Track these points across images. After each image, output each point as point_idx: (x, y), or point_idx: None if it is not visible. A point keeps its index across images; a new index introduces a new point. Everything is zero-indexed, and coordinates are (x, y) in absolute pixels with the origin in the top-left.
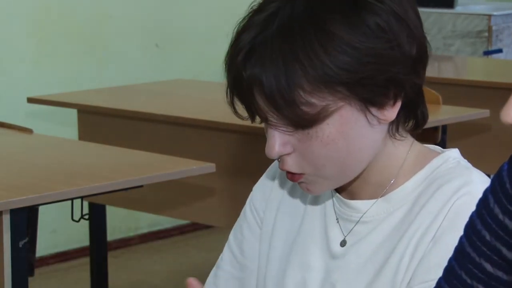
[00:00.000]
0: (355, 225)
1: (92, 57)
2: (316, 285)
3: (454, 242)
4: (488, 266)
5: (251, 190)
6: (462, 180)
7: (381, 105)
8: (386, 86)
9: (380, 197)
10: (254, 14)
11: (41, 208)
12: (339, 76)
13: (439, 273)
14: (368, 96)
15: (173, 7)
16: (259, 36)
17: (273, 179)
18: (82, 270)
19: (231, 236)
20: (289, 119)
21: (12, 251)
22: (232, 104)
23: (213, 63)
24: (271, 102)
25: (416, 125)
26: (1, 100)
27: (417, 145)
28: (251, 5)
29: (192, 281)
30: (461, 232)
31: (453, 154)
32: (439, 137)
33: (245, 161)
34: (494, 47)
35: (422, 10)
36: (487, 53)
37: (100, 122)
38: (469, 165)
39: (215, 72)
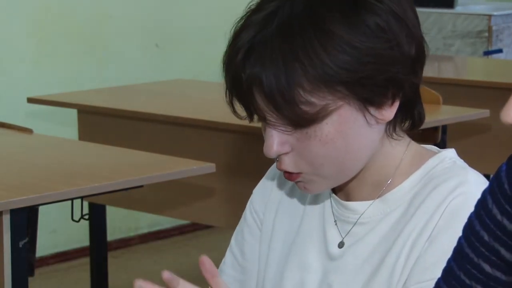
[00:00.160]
0: (352, 227)
1: (92, 57)
2: (313, 286)
3: (450, 242)
4: (486, 267)
5: (251, 190)
6: (458, 180)
7: (379, 105)
8: (385, 86)
9: (377, 198)
10: (252, 14)
11: (41, 208)
12: (339, 75)
13: (435, 273)
14: (367, 95)
15: (173, 7)
16: (259, 35)
17: (272, 180)
18: (82, 270)
19: (232, 240)
20: (288, 118)
21: (12, 251)
22: (231, 104)
23: (213, 63)
24: (270, 101)
25: (413, 125)
26: (1, 100)
27: (414, 145)
28: (249, 5)
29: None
30: (457, 232)
31: (449, 154)
32: (439, 137)
33: (245, 161)
34: (494, 47)
35: (422, 10)
36: (487, 53)
37: (100, 122)
38: (465, 165)
39: (215, 72)
